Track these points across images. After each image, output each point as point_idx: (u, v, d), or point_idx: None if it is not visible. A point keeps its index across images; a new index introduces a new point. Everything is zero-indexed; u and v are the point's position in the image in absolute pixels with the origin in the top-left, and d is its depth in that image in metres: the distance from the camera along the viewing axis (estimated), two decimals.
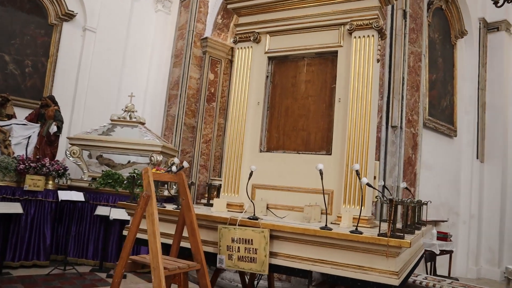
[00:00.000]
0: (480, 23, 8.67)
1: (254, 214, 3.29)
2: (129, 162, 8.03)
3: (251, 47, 4.21)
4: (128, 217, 6.42)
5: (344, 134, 3.68)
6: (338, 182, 3.67)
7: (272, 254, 2.99)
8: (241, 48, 4.26)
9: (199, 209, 3.95)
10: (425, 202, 4.02)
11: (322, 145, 3.86)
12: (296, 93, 4.06)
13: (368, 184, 3.04)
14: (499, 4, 6.32)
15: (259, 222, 2.99)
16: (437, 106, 7.74)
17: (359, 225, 3.43)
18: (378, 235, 2.73)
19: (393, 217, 2.70)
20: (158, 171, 6.96)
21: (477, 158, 8.43)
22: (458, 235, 7.95)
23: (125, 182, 7.32)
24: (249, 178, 3.52)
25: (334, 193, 3.69)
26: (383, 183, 4.39)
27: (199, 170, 8.57)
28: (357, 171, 3.09)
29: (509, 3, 6.24)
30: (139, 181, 7.26)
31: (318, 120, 3.91)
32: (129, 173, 7.45)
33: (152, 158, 7.69)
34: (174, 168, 3.89)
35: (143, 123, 8.24)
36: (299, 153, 3.93)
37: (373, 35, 3.69)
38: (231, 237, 3.02)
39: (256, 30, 4.19)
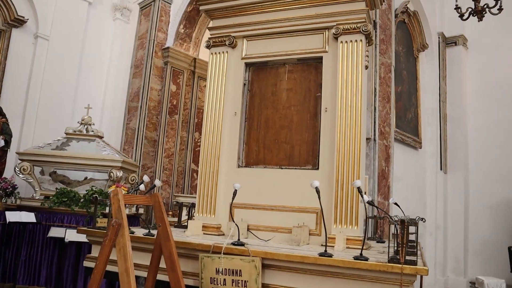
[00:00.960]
0: (439, 37, 8.66)
1: (238, 239, 2.82)
2: (85, 178, 7.32)
3: (227, 52, 3.76)
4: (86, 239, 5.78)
5: (332, 146, 3.30)
6: (327, 199, 3.26)
7: (264, 287, 2.52)
8: (216, 53, 3.81)
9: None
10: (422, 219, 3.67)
11: (308, 159, 3.46)
12: (277, 102, 3.64)
13: (370, 203, 2.65)
14: (464, 17, 6.23)
15: (248, 250, 2.51)
16: (403, 118, 7.57)
17: (352, 246, 3.04)
18: (389, 261, 2.33)
19: (405, 240, 2.31)
20: (122, 188, 6.35)
21: (441, 169, 8.33)
22: (426, 247, 7.75)
23: (81, 200, 6.62)
24: (233, 198, 3.05)
25: (323, 211, 3.27)
26: (369, 198, 4.02)
27: (161, 186, 7.96)
28: (358, 188, 2.69)
29: (473, 16, 6.15)
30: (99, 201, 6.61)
31: (302, 132, 3.51)
32: (86, 190, 6.76)
33: (112, 174, 7.01)
34: (142, 187, 3.35)
35: (101, 137, 7.56)
36: (282, 168, 3.51)
37: (361, 40, 3.35)
38: (215, 268, 2.53)
39: (232, 34, 3.75)
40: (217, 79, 3.74)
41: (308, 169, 3.42)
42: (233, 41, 3.72)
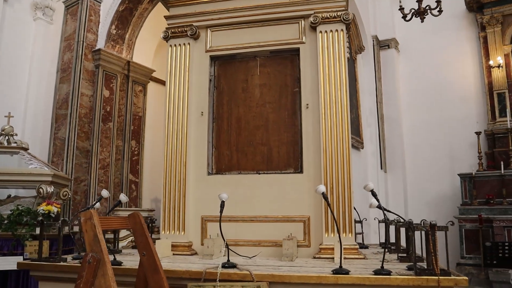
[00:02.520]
0: (373, 40, 8.72)
1: (228, 260, 2.29)
2: (9, 196, 6.28)
3: (188, 44, 3.22)
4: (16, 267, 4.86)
5: (317, 146, 2.89)
6: (315, 206, 2.85)
7: None
8: (175, 45, 3.24)
9: (132, 257, 2.80)
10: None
11: (289, 161, 3.01)
12: (249, 100, 3.16)
13: (381, 207, 2.27)
14: (407, 18, 6.20)
15: (251, 273, 2.00)
16: None
17: (350, 257, 2.65)
18: (418, 273, 1.95)
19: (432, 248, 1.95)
20: (55, 205, 5.45)
21: (381, 168, 8.34)
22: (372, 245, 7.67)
23: (5, 222, 5.61)
24: (221, 212, 2.50)
25: (311, 220, 2.85)
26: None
27: (127, 202, 7.07)
28: (372, 191, 2.29)
29: (416, 17, 6.14)
30: (24, 220, 5.65)
31: (280, 132, 3.06)
32: (11, 210, 5.76)
33: (41, 190, 6.04)
34: (98, 205, 2.70)
35: (25, 149, 6.55)
36: (259, 173, 3.03)
37: (342, 29, 2.99)
38: None
39: (194, 24, 3.22)
40: (179, 75, 3.18)
41: (290, 173, 2.97)
42: (195, 31, 3.19)
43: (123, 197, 2.71)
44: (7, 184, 5.94)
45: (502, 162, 7.20)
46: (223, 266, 2.15)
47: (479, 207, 7.26)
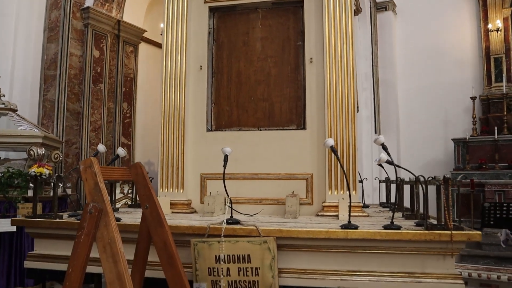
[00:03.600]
0: (370, 2, 8.48)
1: (231, 216, 2.22)
2: None
3: None
4: (9, 228, 4.77)
5: (321, 102, 2.78)
6: (318, 163, 2.76)
7: (280, 272, 1.96)
8: None
9: (130, 214, 2.72)
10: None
11: (291, 117, 2.91)
12: (250, 53, 3.02)
13: (392, 163, 2.19)
14: None
15: (257, 228, 1.93)
16: None
17: (355, 214, 2.59)
18: (429, 228, 1.88)
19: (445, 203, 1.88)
20: (46, 168, 5.31)
21: (375, 133, 8.29)
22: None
23: None
24: (224, 166, 2.40)
25: (314, 177, 2.77)
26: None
27: (126, 156, 6.94)
28: (383, 144, 2.20)
29: None
30: (16, 182, 5.53)
31: (283, 87, 2.94)
32: (1, 172, 5.61)
33: (32, 152, 5.90)
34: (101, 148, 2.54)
35: (14, 110, 6.33)
36: (260, 130, 2.93)
37: None
38: (214, 256, 1.92)
39: None
40: (176, 27, 3.00)
41: (293, 129, 2.87)
42: None
43: (121, 151, 2.58)
44: None
45: (496, 128, 7.18)
46: (227, 223, 2.08)
47: (471, 171, 7.29)
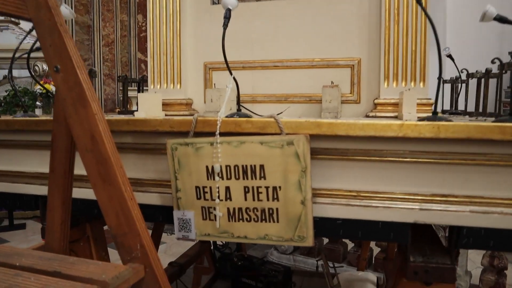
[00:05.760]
0: None
1: (238, 107, 1.38)
2: (5, 77, 5.48)
3: None
4: None
5: None
6: (369, 44, 1.83)
7: (315, 195, 1.13)
8: None
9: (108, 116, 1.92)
10: None
11: None
12: None
13: (504, 19, 1.24)
14: None
15: (277, 121, 1.08)
16: None
17: (421, 115, 1.68)
18: None
19: None
20: (50, 85, 4.63)
21: None
22: None
23: (2, 104, 4.88)
24: (225, 26, 1.51)
25: (363, 64, 1.85)
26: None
27: (103, 80, 6.23)
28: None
29: None
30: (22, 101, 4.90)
31: None
32: (6, 91, 5.00)
33: (37, 67, 5.21)
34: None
35: (16, 23, 5.58)
36: None
37: None
38: (205, 167, 1.10)
39: None
40: None
41: None
42: None
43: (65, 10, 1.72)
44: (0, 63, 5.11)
45: None
46: (231, 117, 1.24)
47: None
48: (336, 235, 1.09)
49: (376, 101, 1.79)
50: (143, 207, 1.16)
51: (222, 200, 1.09)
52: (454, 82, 2.54)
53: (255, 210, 1.07)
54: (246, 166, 1.06)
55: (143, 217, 0.99)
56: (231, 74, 1.27)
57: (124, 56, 6.59)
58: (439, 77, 1.23)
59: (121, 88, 6.43)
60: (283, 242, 1.06)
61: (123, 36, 6.59)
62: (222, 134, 1.10)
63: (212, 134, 1.10)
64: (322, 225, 1.10)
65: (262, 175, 1.06)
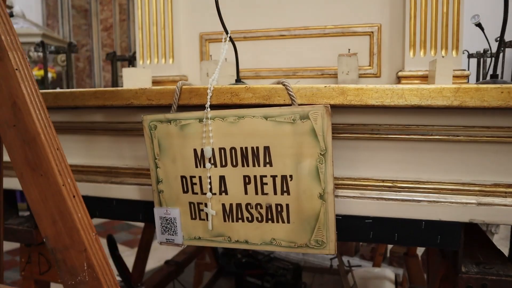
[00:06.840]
0: None
1: (238, 77, 1.10)
2: None
3: None
4: None
5: None
6: (390, 8, 1.54)
7: (337, 187, 0.86)
8: None
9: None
10: None
11: None
12: None
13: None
14: None
15: (288, 88, 0.80)
16: None
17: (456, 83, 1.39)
18: None
19: None
20: (49, 71, 4.36)
21: None
22: None
23: None
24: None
25: (383, 31, 1.56)
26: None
27: (102, 67, 5.95)
28: None
29: None
30: None
31: None
32: None
33: (31, 53, 4.94)
34: None
35: (9, 7, 5.29)
36: None
37: None
38: (192, 151, 0.83)
39: None
40: None
41: None
42: None
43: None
44: None
45: None
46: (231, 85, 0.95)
47: None
48: (364, 239, 0.82)
49: (400, 73, 1.50)
50: (119, 203, 0.89)
51: (215, 193, 0.82)
52: (482, 56, 2.23)
53: (258, 207, 0.80)
54: (246, 148, 0.79)
55: (119, 214, 0.72)
56: (226, 32, 0.98)
57: (123, 41, 6.29)
58: (501, 37, 0.94)
59: (120, 74, 6.15)
60: (296, 248, 0.79)
61: (122, 20, 6.28)
62: (215, 107, 0.82)
63: (202, 107, 0.82)
64: (347, 226, 0.82)
65: (267, 160, 0.78)
